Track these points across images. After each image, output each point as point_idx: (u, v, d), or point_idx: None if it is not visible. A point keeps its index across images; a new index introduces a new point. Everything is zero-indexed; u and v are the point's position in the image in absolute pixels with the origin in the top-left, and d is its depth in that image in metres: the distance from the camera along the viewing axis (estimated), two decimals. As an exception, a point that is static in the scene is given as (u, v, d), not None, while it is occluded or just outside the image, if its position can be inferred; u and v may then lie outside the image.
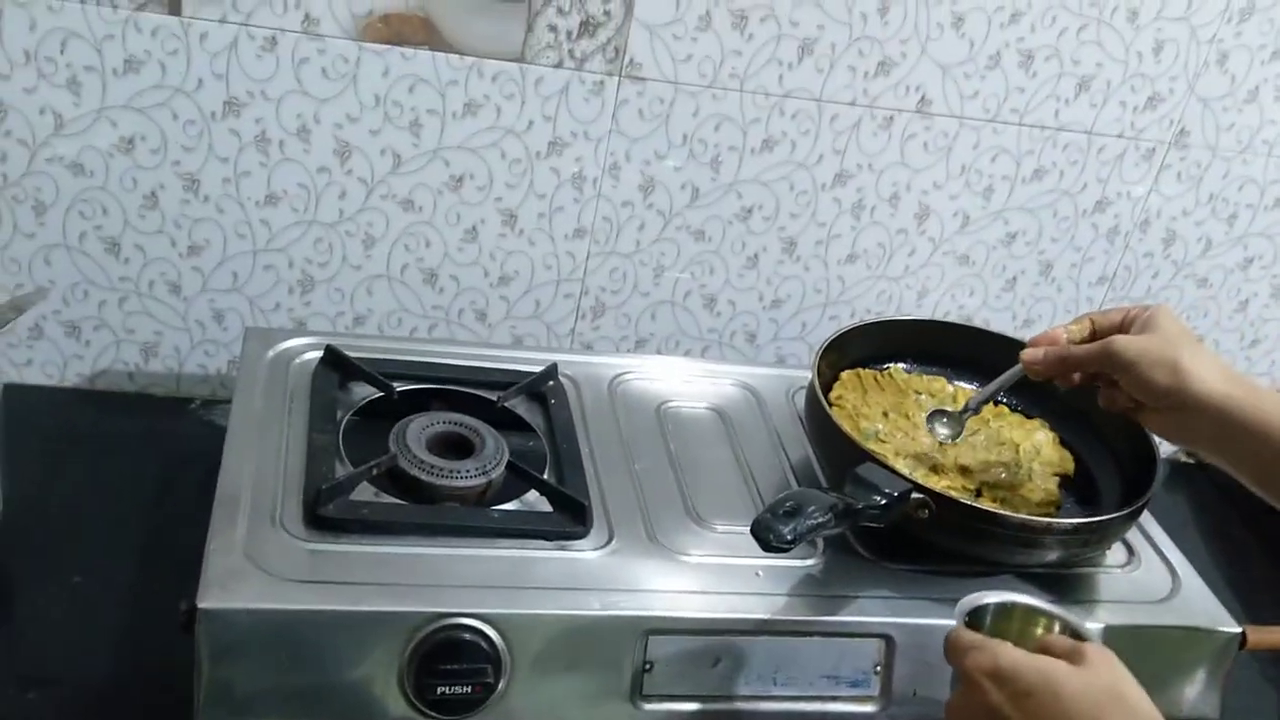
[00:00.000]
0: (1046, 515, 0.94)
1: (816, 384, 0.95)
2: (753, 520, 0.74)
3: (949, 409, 1.00)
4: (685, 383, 1.08)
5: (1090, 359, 0.87)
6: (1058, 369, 0.89)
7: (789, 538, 0.72)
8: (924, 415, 1.03)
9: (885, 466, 0.86)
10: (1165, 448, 1.36)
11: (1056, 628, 0.79)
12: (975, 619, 0.78)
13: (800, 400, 1.05)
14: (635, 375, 1.07)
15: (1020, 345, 1.07)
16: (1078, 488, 1.00)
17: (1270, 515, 1.29)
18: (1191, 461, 1.38)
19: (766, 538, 0.73)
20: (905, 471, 0.94)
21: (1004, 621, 0.80)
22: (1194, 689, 0.92)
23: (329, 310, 1.11)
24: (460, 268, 1.11)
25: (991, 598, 0.80)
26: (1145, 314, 0.86)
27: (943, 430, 0.98)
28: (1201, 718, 0.92)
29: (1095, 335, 0.89)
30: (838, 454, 0.91)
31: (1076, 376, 0.90)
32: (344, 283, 1.10)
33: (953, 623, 0.76)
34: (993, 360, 1.08)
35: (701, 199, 1.12)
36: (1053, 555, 0.88)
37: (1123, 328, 0.87)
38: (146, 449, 1.05)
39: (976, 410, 0.98)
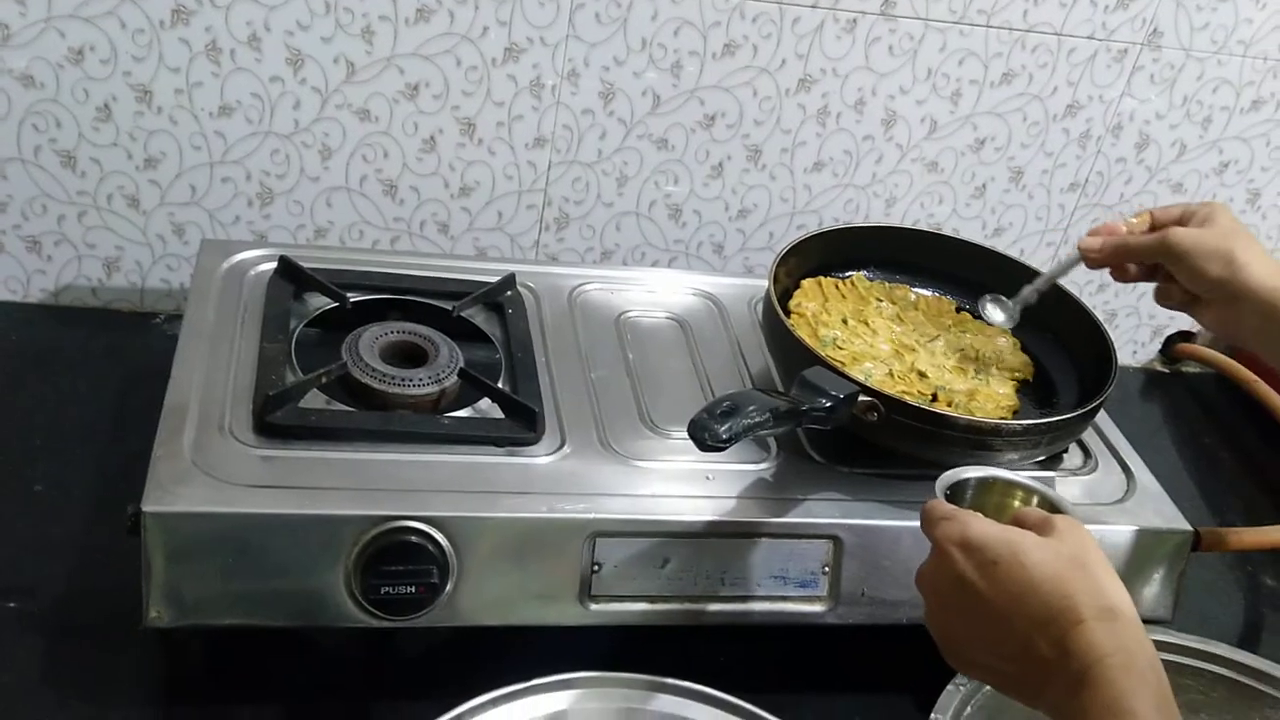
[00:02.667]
0: (1001, 419, 0.94)
1: (772, 291, 0.94)
2: (690, 420, 0.74)
3: (1002, 297, 1.01)
4: (647, 293, 1.07)
5: (1147, 249, 0.90)
6: (1114, 258, 0.92)
7: (724, 437, 0.72)
8: (885, 322, 1.02)
9: (833, 369, 0.86)
10: (1139, 357, 1.36)
11: (1035, 501, 0.79)
12: (956, 493, 0.78)
13: (761, 309, 1.04)
14: (596, 286, 1.06)
15: (985, 252, 1.07)
16: (1037, 393, 1.00)
17: (1242, 423, 1.30)
18: (1166, 371, 1.38)
19: (702, 437, 0.73)
20: (861, 378, 0.94)
21: (984, 495, 0.80)
22: (1149, 590, 0.93)
23: (289, 223, 1.10)
24: (420, 179, 1.10)
25: (972, 472, 0.79)
26: (1204, 209, 0.89)
27: (997, 315, 1.00)
28: (1154, 618, 0.93)
29: (1154, 229, 0.91)
30: (792, 359, 0.91)
31: (1132, 268, 0.93)
32: (303, 195, 1.09)
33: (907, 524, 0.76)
34: (956, 268, 1.08)
35: (663, 106, 1.10)
36: (1005, 457, 0.88)
37: (1181, 222, 0.90)
38: (110, 364, 1.06)
39: (1032, 299, 0.99)
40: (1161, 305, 0.93)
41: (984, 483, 0.80)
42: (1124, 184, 1.24)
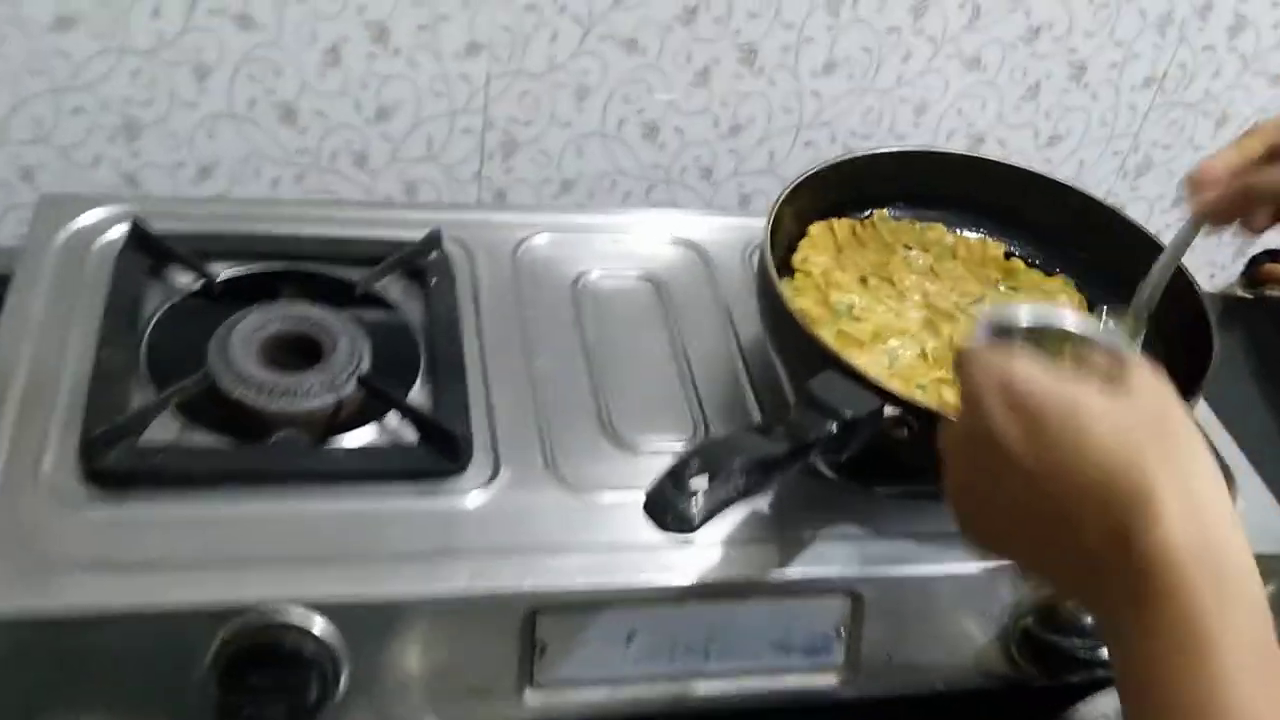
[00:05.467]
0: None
1: (768, 253, 0.72)
2: (647, 491, 0.53)
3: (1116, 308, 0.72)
4: (612, 242, 0.85)
5: None
6: (1245, 206, 0.65)
7: (697, 520, 0.52)
8: (915, 278, 0.81)
9: (850, 373, 0.64)
10: (1216, 281, 1.14)
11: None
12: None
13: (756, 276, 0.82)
14: (549, 236, 0.84)
15: (1039, 179, 0.84)
16: (1109, 368, 0.79)
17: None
18: (1249, 296, 1.16)
19: (663, 519, 0.52)
20: (885, 363, 0.73)
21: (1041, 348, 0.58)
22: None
23: (164, 160, 0.88)
24: (324, 100, 0.87)
25: (1024, 316, 0.55)
26: None
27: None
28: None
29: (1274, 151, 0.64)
30: (793, 350, 0.70)
31: (1262, 215, 0.66)
32: (178, 125, 0.86)
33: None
34: (1004, 199, 0.85)
35: (630, -2, 0.86)
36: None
37: None
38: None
39: (1154, 298, 0.72)
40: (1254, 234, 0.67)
41: (1042, 333, 0.56)
42: (1211, 77, 1.00)
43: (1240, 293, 1.15)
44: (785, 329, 0.69)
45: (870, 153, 0.83)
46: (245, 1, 0.81)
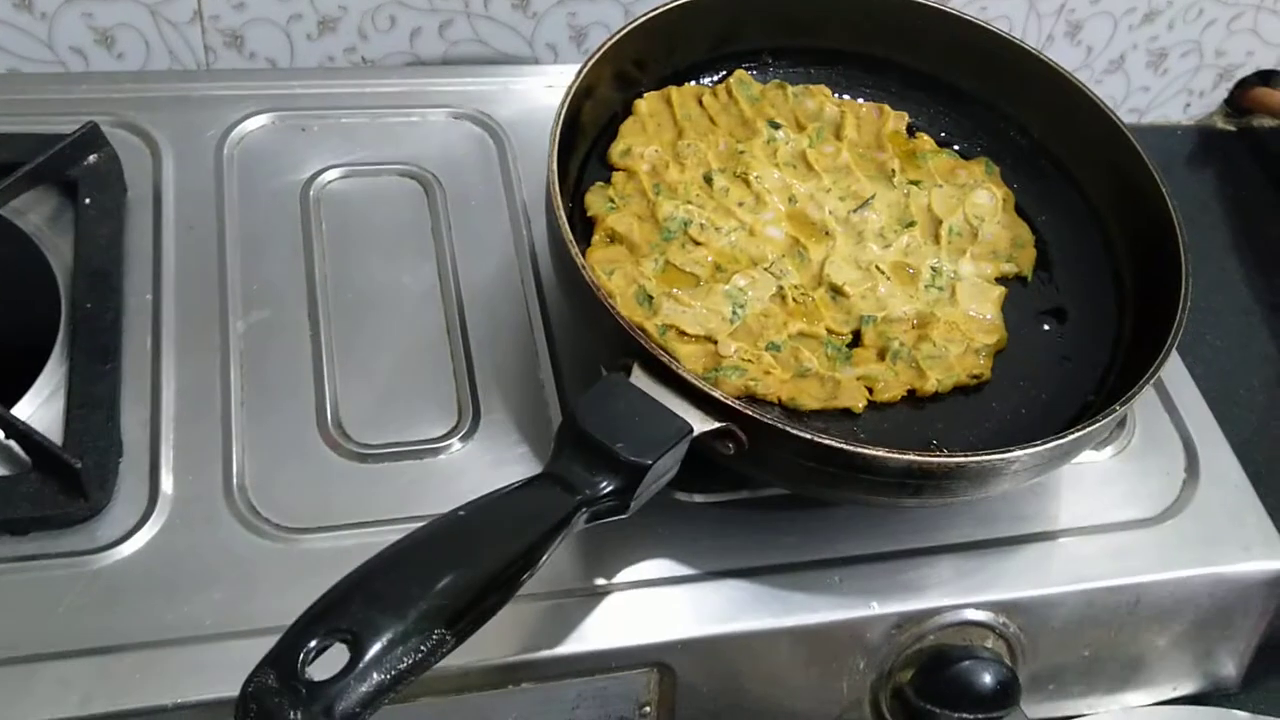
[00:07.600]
0: (974, 377, 0.53)
1: (554, 173, 0.49)
2: (242, 689, 0.32)
3: None
4: (368, 118, 0.61)
5: None
6: None
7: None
8: (780, 175, 0.58)
9: (655, 367, 0.43)
10: (1192, 112, 0.93)
11: None
12: None
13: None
14: (270, 118, 0.60)
15: (963, 23, 0.61)
16: (1037, 298, 0.58)
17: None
18: (1231, 129, 0.93)
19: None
20: (724, 312, 0.52)
21: None
22: (1197, 652, 0.56)
23: None
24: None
25: None
26: None
27: None
28: (1217, 690, 0.57)
29: None
30: (586, 313, 0.48)
31: None
32: None
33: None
34: (909, 47, 0.62)
35: None
36: (964, 495, 0.48)
37: None
38: None
39: None
40: None
41: None
42: None
43: (1220, 124, 0.93)
44: (581, 298, 0.47)
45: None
46: None
